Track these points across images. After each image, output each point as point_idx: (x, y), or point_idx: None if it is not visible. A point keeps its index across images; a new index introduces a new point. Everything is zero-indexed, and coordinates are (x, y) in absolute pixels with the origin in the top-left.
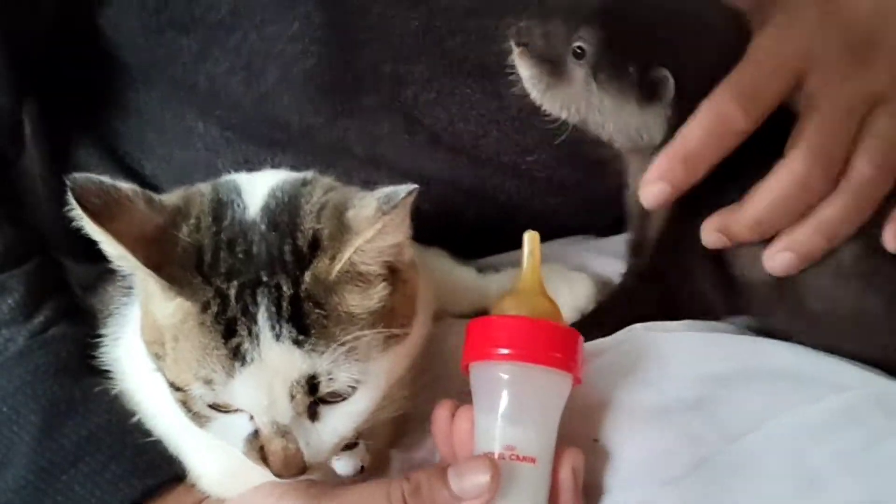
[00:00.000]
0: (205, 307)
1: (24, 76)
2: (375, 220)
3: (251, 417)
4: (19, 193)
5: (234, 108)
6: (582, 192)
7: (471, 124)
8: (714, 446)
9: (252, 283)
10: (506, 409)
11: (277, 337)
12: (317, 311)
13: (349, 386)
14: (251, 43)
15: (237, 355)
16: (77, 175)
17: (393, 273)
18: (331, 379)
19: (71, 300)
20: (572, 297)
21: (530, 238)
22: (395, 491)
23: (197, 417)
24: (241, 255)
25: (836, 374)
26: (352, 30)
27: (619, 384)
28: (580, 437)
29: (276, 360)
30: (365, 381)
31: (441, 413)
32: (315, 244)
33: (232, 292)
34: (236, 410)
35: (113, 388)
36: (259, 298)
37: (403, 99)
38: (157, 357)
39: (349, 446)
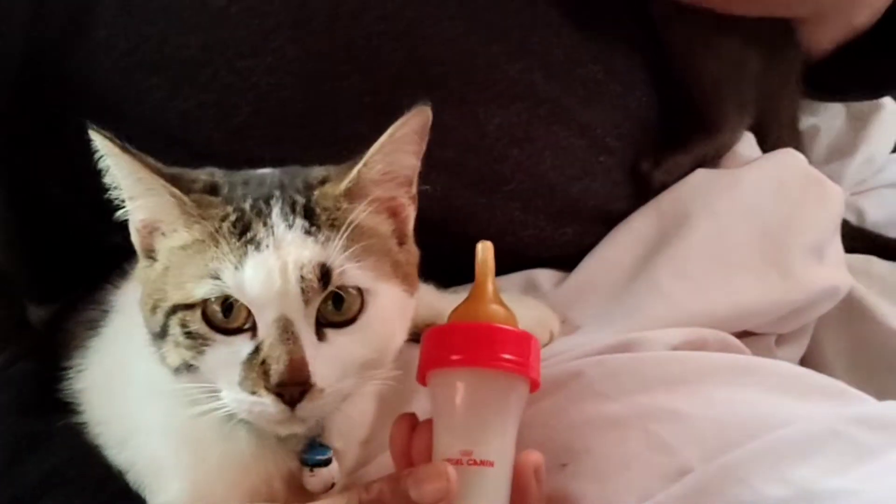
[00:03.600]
0: (223, 218)
1: None
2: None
3: (252, 336)
4: None
5: (205, 144)
6: (555, 225)
7: (449, 152)
8: (694, 462)
9: (266, 196)
10: (461, 415)
11: (290, 227)
12: (326, 213)
13: (357, 291)
14: (222, 78)
15: (250, 243)
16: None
17: (400, 241)
18: (342, 272)
19: (33, 338)
20: (531, 320)
21: (483, 248)
22: (354, 499)
23: (193, 348)
24: (254, 185)
25: (818, 391)
26: (332, 63)
27: (582, 407)
28: (549, 464)
29: (289, 246)
30: (373, 302)
31: (400, 427)
32: (324, 181)
33: (247, 204)
34: (237, 331)
35: (77, 420)
36: (273, 203)
37: (383, 129)
38: (155, 308)
39: (324, 463)
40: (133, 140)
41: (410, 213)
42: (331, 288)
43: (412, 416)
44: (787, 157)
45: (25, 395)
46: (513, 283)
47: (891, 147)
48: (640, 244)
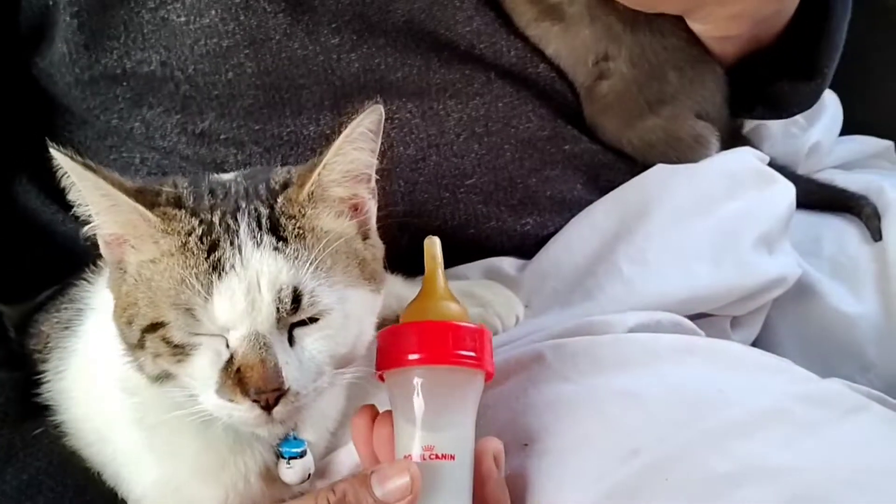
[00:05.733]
0: (189, 233)
1: None
2: (338, 139)
3: (227, 345)
4: None
5: (170, 150)
6: (516, 217)
7: (410, 148)
8: (647, 442)
9: (233, 210)
10: (421, 412)
11: (258, 244)
12: (292, 223)
13: (327, 309)
14: (183, 91)
15: (217, 268)
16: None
17: (364, 236)
18: (313, 298)
19: (7, 347)
20: (500, 307)
21: (431, 244)
22: (322, 501)
23: (174, 356)
24: (220, 195)
25: (764, 370)
26: (290, 76)
27: (542, 388)
28: (510, 444)
29: (259, 265)
30: (340, 308)
31: (360, 420)
32: (286, 185)
33: (216, 218)
34: (212, 336)
35: (55, 425)
36: (239, 218)
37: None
38: (129, 321)
39: (299, 455)
40: (98, 145)
41: (372, 207)
42: (301, 316)
43: (372, 407)
44: (743, 155)
45: (2, 405)
46: (476, 270)
47: (836, 134)
48: (600, 232)
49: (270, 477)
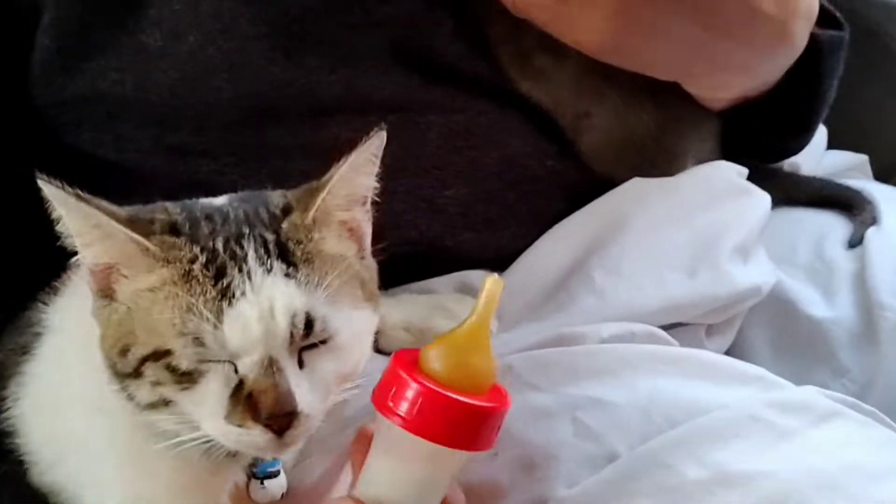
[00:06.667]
0: (192, 260)
1: None
2: (343, 164)
3: (235, 371)
4: None
5: (141, 163)
6: (493, 230)
7: (388, 158)
8: (620, 449)
9: (236, 236)
10: (406, 471)
11: (269, 271)
12: (300, 248)
13: (336, 332)
14: (157, 109)
15: (226, 294)
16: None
17: (360, 256)
18: (325, 323)
19: None
20: None
21: (492, 284)
22: None
23: (178, 383)
24: (219, 221)
25: (737, 378)
26: (269, 98)
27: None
28: (478, 455)
29: (271, 291)
30: (348, 329)
31: (359, 445)
32: (287, 210)
33: (219, 244)
34: (220, 362)
35: (15, 460)
36: (245, 244)
37: (322, 139)
38: (124, 351)
39: (274, 475)
40: (69, 165)
41: (367, 228)
42: (313, 340)
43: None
44: (719, 168)
45: None
46: (447, 284)
47: (818, 158)
48: (575, 245)
49: (240, 496)
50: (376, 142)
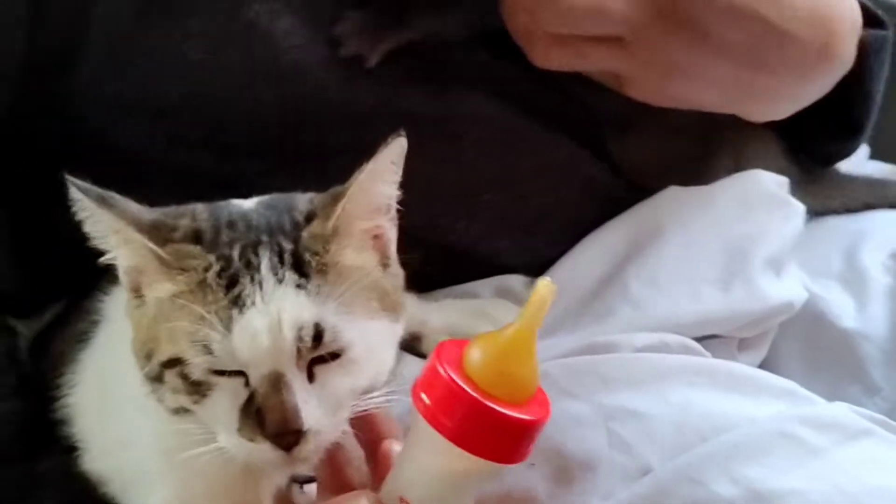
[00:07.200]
0: (207, 269)
1: None
2: (362, 172)
3: (246, 384)
4: None
5: (192, 163)
6: (528, 235)
7: (425, 163)
8: (653, 462)
9: (254, 244)
10: (440, 477)
11: (280, 281)
12: (316, 259)
13: (348, 344)
14: (205, 115)
15: (237, 302)
16: (73, 177)
17: (384, 266)
18: (335, 333)
19: (20, 371)
20: None
21: (544, 288)
22: None
23: (193, 394)
24: (241, 228)
25: (769, 392)
26: (308, 105)
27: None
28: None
29: (280, 302)
30: (361, 342)
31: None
32: (310, 217)
33: (235, 252)
34: (232, 374)
35: (66, 448)
36: (261, 252)
37: (364, 144)
38: (149, 356)
39: (308, 480)
40: (119, 166)
41: (392, 236)
42: (322, 351)
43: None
44: (757, 177)
45: (7, 443)
46: (487, 288)
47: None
48: (611, 253)
49: (283, 499)
50: (395, 149)
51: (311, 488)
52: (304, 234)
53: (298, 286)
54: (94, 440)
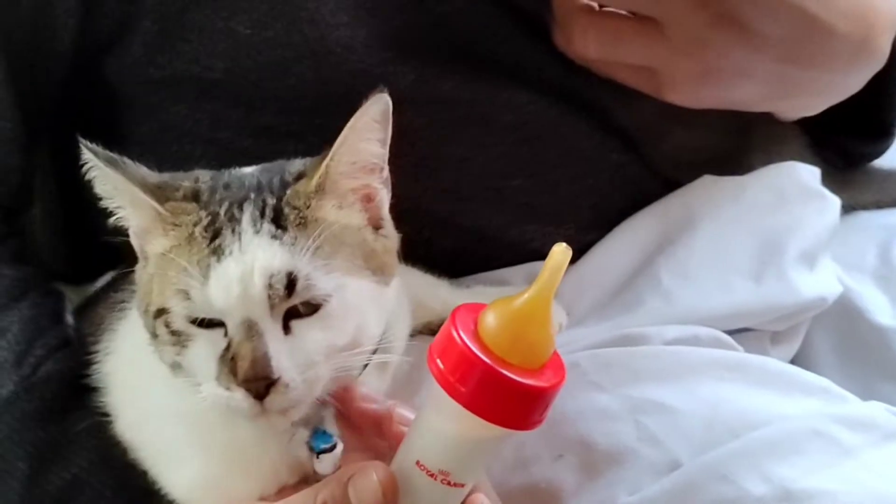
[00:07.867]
0: (196, 223)
1: (37, 133)
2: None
3: (225, 334)
4: (23, 233)
5: (233, 140)
6: (557, 222)
7: (456, 147)
8: (682, 457)
9: (241, 200)
10: (454, 440)
11: (257, 232)
12: (295, 213)
13: (324, 295)
14: (247, 92)
15: (216, 252)
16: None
17: (375, 227)
18: (308, 282)
19: (63, 332)
20: None
21: (559, 253)
22: (310, 499)
23: (177, 344)
24: (235, 188)
25: (802, 388)
26: (348, 84)
27: (576, 396)
28: (543, 456)
29: (255, 251)
30: (339, 296)
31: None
32: (300, 177)
33: (222, 209)
34: (215, 324)
35: (99, 413)
36: (245, 207)
37: (398, 125)
38: (146, 311)
39: (329, 450)
40: (161, 137)
41: (384, 196)
42: (296, 301)
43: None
44: (791, 169)
45: (49, 402)
46: (518, 274)
47: None
48: (643, 243)
49: (302, 470)
50: (377, 105)
51: (326, 458)
52: (289, 191)
53: (273, 237)
54: (125, 411)
